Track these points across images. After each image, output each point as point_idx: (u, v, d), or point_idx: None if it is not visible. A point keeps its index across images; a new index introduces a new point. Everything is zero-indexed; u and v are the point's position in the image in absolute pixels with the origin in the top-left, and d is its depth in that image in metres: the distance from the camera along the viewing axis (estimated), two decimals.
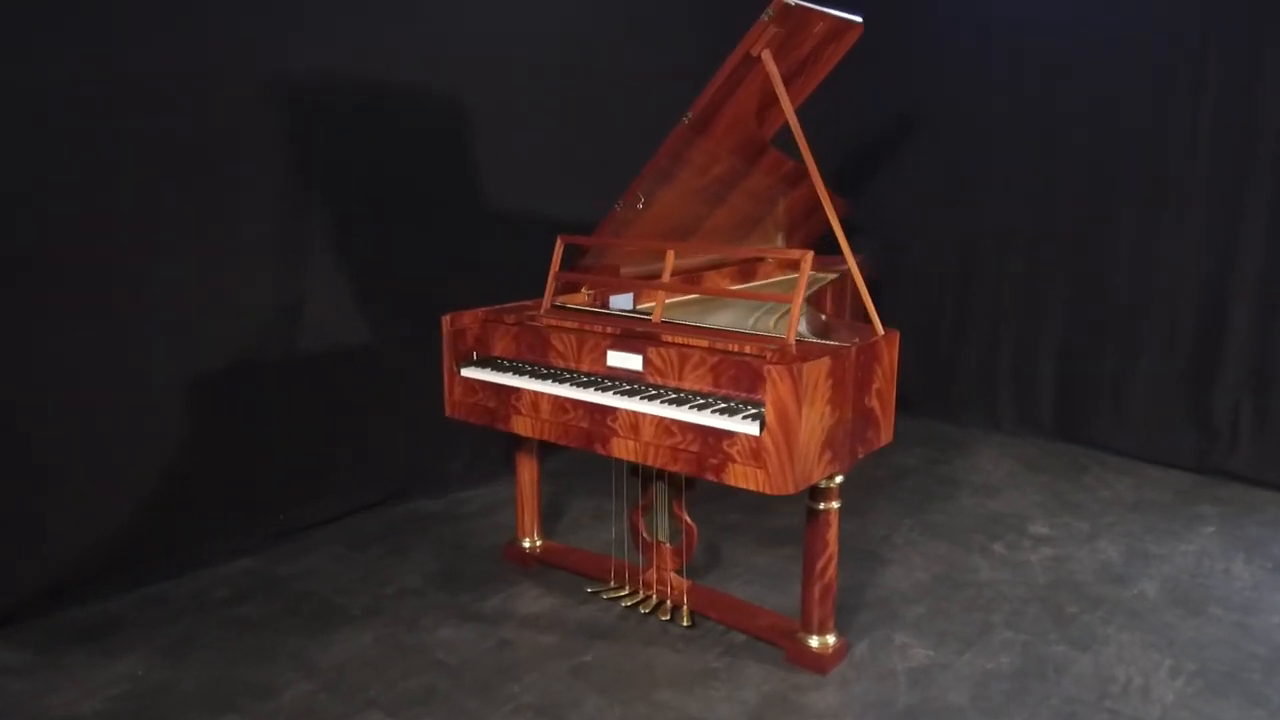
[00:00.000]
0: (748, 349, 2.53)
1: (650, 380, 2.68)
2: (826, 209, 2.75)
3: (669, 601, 2.97)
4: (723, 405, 2.49)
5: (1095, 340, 4.64)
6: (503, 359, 3.02)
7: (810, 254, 2.61)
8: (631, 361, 2.72)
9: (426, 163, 3.84)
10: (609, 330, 2.79)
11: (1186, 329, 4.34)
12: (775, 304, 3.43)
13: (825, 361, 2.38)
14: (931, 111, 5.09)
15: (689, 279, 3.56)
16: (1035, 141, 4.70)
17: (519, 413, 2.83)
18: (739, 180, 3.47)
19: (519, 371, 2.88)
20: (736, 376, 2.51)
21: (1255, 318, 4.14)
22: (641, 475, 3.01)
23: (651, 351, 2.67)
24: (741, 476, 2.37)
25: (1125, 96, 4.38)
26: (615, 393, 2.63)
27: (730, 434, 2.38)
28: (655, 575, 3.04)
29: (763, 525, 3.72)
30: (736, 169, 3.38)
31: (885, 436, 2.76)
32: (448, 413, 3.02)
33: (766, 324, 3.07)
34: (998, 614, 3.01)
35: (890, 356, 2.72)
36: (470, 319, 3.04)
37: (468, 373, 2.96)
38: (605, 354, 2.77)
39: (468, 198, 4.01)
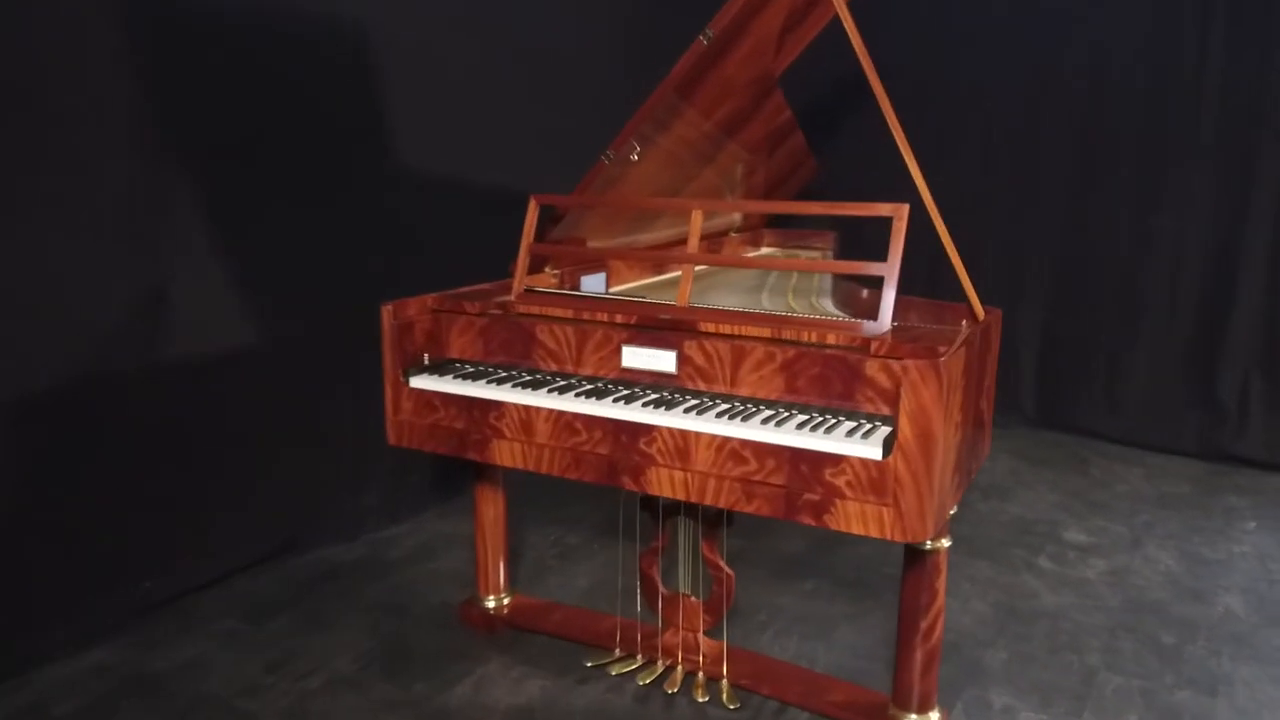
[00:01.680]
0: (831, 338, 1.86)
1: (689, 385, 1.97)
2: (900, 145, 2.09)
3: (701, 674, 2.26)
4: (802, 418, 1.81)
5: (1085, 317, 4.22)
6: (464, 362, 2.23)
7: (906, 207, 1.95)
8: (659, 360, 1.99)
9: (333, 112, 2.96)
10: (622, 319, 2.05)
11: (1189, 301, 3.98)
12: (780, 280, 2.80)
13: (963, 354, 1.73)
14: (897, 71, 4.53)
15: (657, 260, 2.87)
16: (1017, 98, 4.22)
17: (502, 436, 2.06)
18: (737, 130, 2.81)
19: (496, 379, 2.10)
20: (823, 378, 1.83)
21: (1265, 287, 3.80)
22: (662, 508, 2.28)
23: (690, 346, 1.95)
24: (857, 518, 1.69)
25: (1121, 44, 3.96)
26: (646, 404, 1.90)
27: (837, 459, 1.69)
28: (679, 638, 2.32)
29: (770, 552, 3.07)
30: (739, 114, 2.73)
31: (988, 446, 2.15)
32: (392, 440, 2.20)
33: (783, 306, 2.43)
34: (1091, 653, 2.47)
35: (997, 343, 2.11)
36: (417, 309, 2.23)
37: (421, 382, 2.15)
38: (619, 351, 2.03)
39: (383, 160, 3.15)
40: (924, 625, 1.99)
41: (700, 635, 2.30)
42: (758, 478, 1.77)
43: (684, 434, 1.84)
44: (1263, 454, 3.82)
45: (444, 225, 3.32)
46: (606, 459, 1.93)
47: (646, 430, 1.88)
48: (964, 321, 2.03)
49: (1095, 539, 3.20)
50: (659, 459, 1.87)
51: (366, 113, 3.08)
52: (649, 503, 2.29)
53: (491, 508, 2.52)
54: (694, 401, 1.92)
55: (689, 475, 1.84)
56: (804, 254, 3.64)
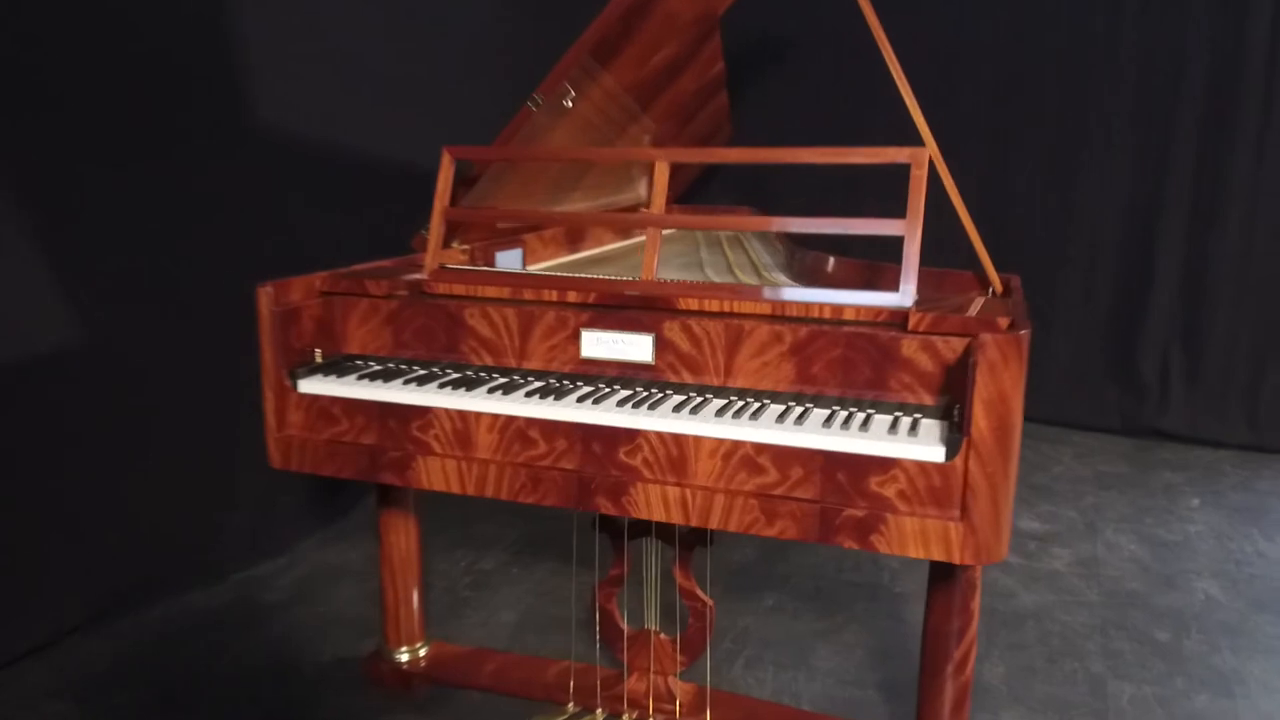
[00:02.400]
0: (851, 314, 1.50)
1: (670, 378, 1.56)
2: (903, 90, 1.76)
3: None
4: (821, 413, 1.45)
5: None
6: (369, 358, 1.75)
7: (926, 151, 1.62)
8: (631, 347, 1.58)
9: (174, 63, 2.37)
10: (578, 297, 1.63)
11: (1107, 274, 3.87)
12: (713, 254, 2.45)
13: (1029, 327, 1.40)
14: (799, 32, 4.27)
15: (573, 234, 2.48)
16: (925, 60, 3.99)
17: (429, 452, 1.59)
18: (668, 84, 2.45)
19: (415, 378, 1.63)
20: (845, 362, 1.46)
21: (1183, 260, 3.74)
22: (628, 528, 1.87)
23: (670, 328, 1.55)
24: (915, 538, 1.33)
25: (1037, 8, 3.79)
26: (624, 403, 1.49)
27: (886, 463, 1.33)
28: (648, 683, 1.92)
29: (716, 563, 2.70)
30: (676, 61, 2.35)
31: None
32: (276, 462, 1.69)
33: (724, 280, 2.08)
34: (1091, 658, 2.23)
35: None
36: (303, 291, 1.73)
37: (315, 386, 1.65)
38: (577, 337, 1.60)
39: (236, 121, 2.57)
40: (957, 655, 1.66)
41: (673, 679, 1.90)
42: (779, 491, 1.39)
43: (679, 439, 1.43)
44: (1185, 428, 3.75)
45: (310, 197, 2.78)
46: (574, 476, 1.50)
47: (628, 436, 1.46)
48: (990, 290, 1.72)
49: (1050, 526, 3.00)
50: (646, 473, 1.46)
51: (215, 63, 2.50)
52: (609, 522, 1.87)
53: (402, 539, 2.03)
54: (681, 398, 1.52)
55: (687, 492, 1.43)
56: (712, 232, 3.30)
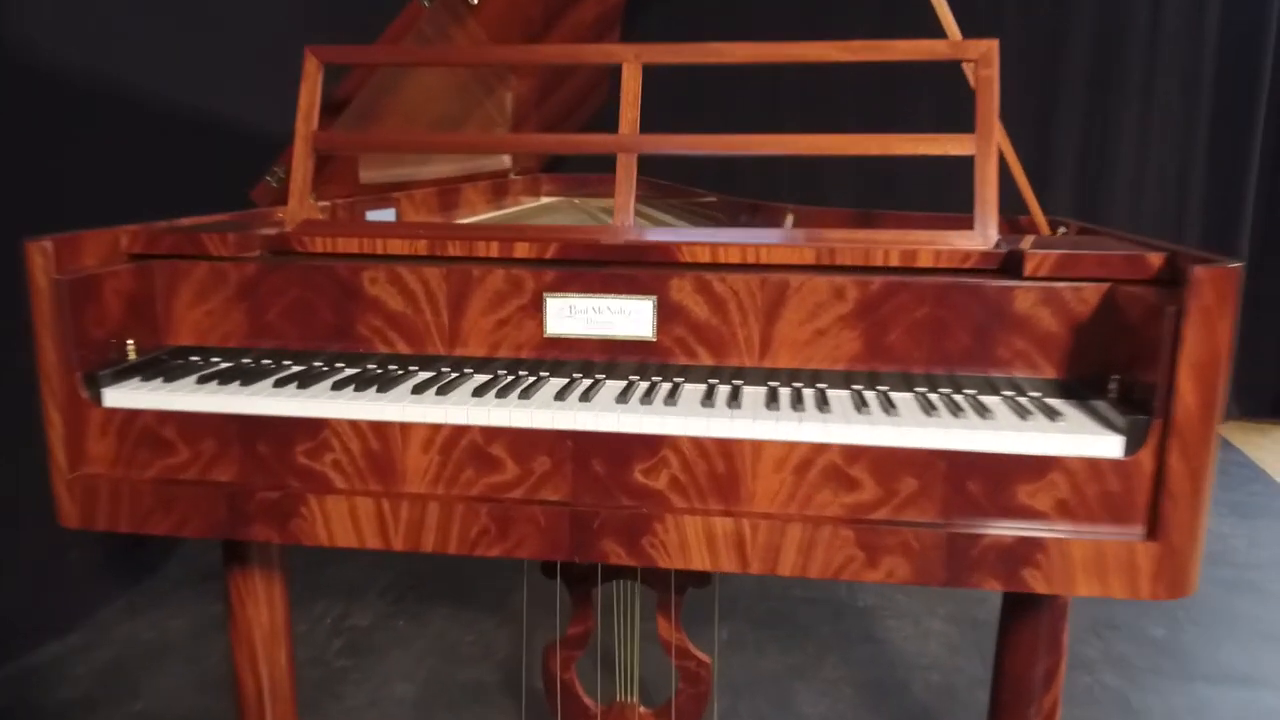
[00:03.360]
0: (927, 259, 1.09)
1: (679, 360, 1.09)
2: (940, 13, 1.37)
3: None
4: (904, 396, 1.04)
5: None
6: (214, 351, 1.17)
7: (994, 44, 1.23)
8: (621, 318, 1.10)
9: None
10: (529, 251, 1.13)
11: None
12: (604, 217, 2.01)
13: None
14: None
15: (446, 199, 1.96)
16: (795, 18, 3.69)
17: (327, 488, 1.04)
18: (568, 8, 1.98)
19: (293, 377, 1.08)
20: (935, 324, 1.05)
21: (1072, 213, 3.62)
22: (599, 574, 1.38)
23: (678, 288, 1.08)
24: (1085, 569, 0.93)
25: None
26: (625, 397, 1.01)
27: (1039, 464, 0.92)
28: None
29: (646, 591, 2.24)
30: None
31: None
32: (71, 519, 1.08)
33: None
34: (1102, 668, 1.95)
35: None
36: (103, 252, 1.13)
37: (130, 396, 1.06)
38: (538, 306, 1.10)
39: None
40: (1046, 703, 1.28)
41: None
42: (883, 514, 0.95)
43: (726, 446, 0.97)
44: None
45: (95, 148, 2.10)
46: (565, 511, 1.00)
47: (647, 446, 0.98)
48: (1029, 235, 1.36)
49: None
50: (676, 499, 0.98)
51: None
52: (570, 565, 1.38)
53: (265, 611, 1.44)
54: (701, 387, 1.06)
55: (745, 525, 0.97)
56: (596, 202, 2.83)
